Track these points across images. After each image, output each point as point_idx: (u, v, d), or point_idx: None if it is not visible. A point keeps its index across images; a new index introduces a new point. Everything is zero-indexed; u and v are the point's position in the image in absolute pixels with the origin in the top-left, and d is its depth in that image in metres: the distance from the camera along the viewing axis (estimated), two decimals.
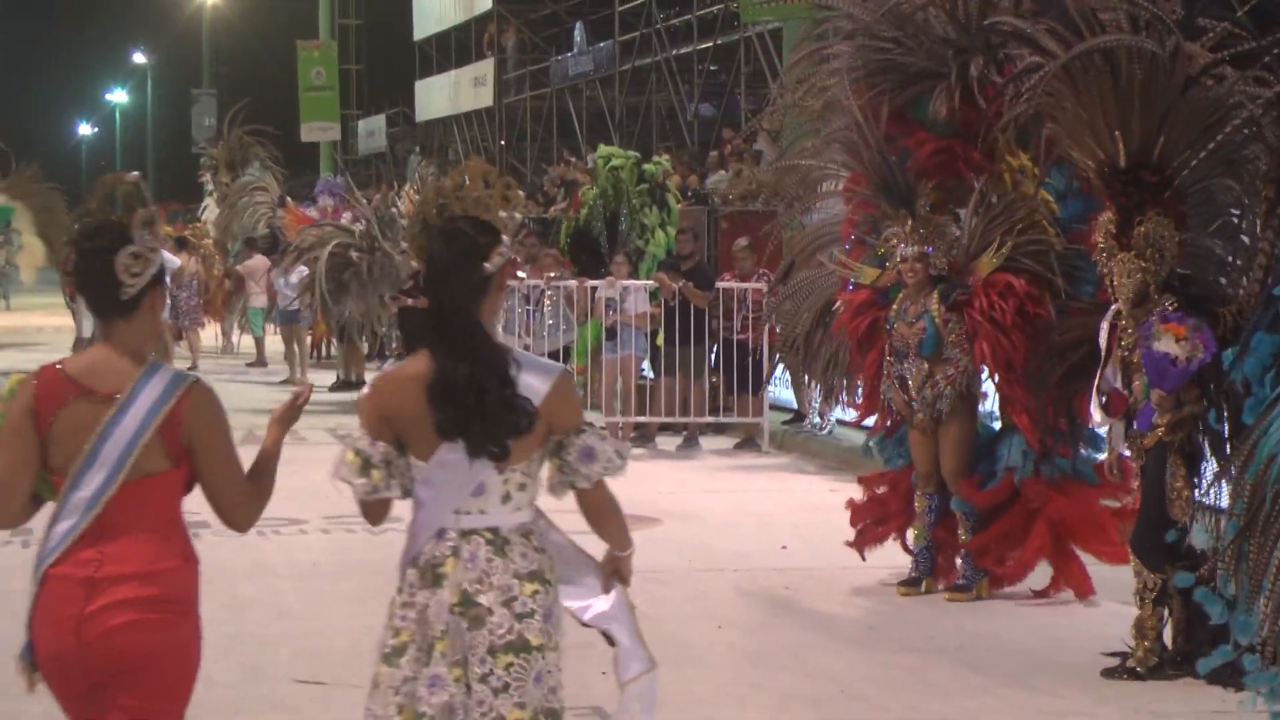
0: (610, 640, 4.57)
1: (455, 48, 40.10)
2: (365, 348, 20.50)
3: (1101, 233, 7.40)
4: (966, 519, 8.92)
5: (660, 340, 15.29)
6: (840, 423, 14.43)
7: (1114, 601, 8.47)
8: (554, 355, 14.88)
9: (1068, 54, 7.32)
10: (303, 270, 18.59)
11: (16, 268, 25.64)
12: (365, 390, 4.50)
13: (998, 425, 9.15)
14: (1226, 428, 7.21)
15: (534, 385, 4.26)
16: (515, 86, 36.82)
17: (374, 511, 4.38)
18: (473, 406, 4.20)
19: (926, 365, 8.89)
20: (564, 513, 4.51)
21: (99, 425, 4.05)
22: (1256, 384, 6.23)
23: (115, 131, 76.18)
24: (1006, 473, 8.84)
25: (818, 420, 14.83)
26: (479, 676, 4.20)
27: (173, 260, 22.50)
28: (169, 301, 22.21)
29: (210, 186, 26.55)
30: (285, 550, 10.19)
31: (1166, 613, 7.43)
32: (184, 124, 51.41)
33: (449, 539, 4.28)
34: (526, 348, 15.13)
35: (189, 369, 22.34)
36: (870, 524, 9.35)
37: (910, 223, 8.85)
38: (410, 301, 15.52)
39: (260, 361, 22.53)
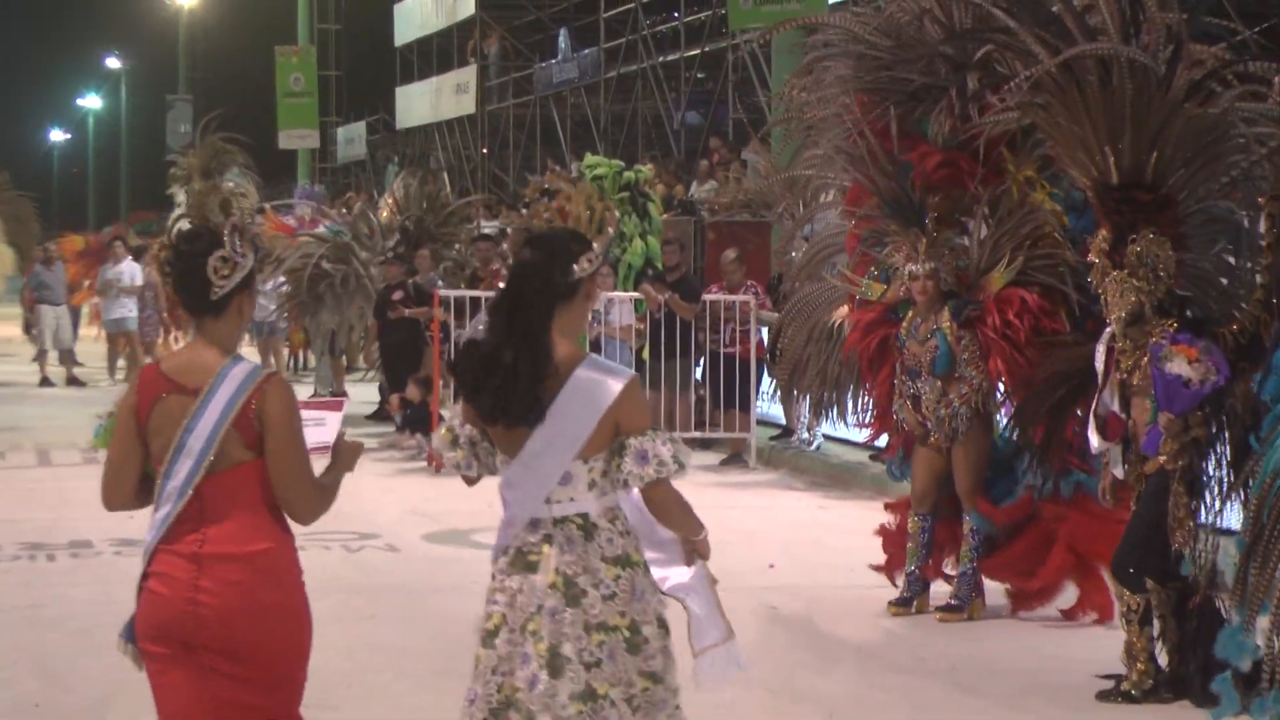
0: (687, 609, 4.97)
1: (437, 54, 40.09)
2: (345, 360, 20.49)
3: (1095, 251, 7.41)
4: (972, 537, 8.91)
5: (645, 354, 15.29)
6: (828, 438, 14.44)
7: (1110, 624, 8.48)
8: None
9: (1053, 59, 7.29)
10: (279, 280, 18.55)
11: None
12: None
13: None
14: (1229, 451, 7.21)
15: (608, 385, 4.66)
16: (498, 94, 36.82)
17: (467, 480, 4.92)
18: (502, 383, 4.60)
19: (939, 384, 8.90)
20: None
21: (184, 418, 4.48)
22: (1275, 403, 6.27)
23: (88, 138, 76.05)
24: (1026, 490, 8.85)
25: (806, 435, 14.84)
26: (573, 652, 4.60)
27: (132, 272, 22.45)
28: (135, 314, 22.22)
29: (178, 199, 26.47)
30: None
31: (1155, 632, 7.42)
32: (159, 131, 51.33)
33: (543, 528, 4.70)
34: None
35: None
36: (900, 549, 9.33)
37: (923, 242, 8.84)
38: (407, 313, 15.52)
39: None
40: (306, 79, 37.69)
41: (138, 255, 23.50)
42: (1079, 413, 8.00)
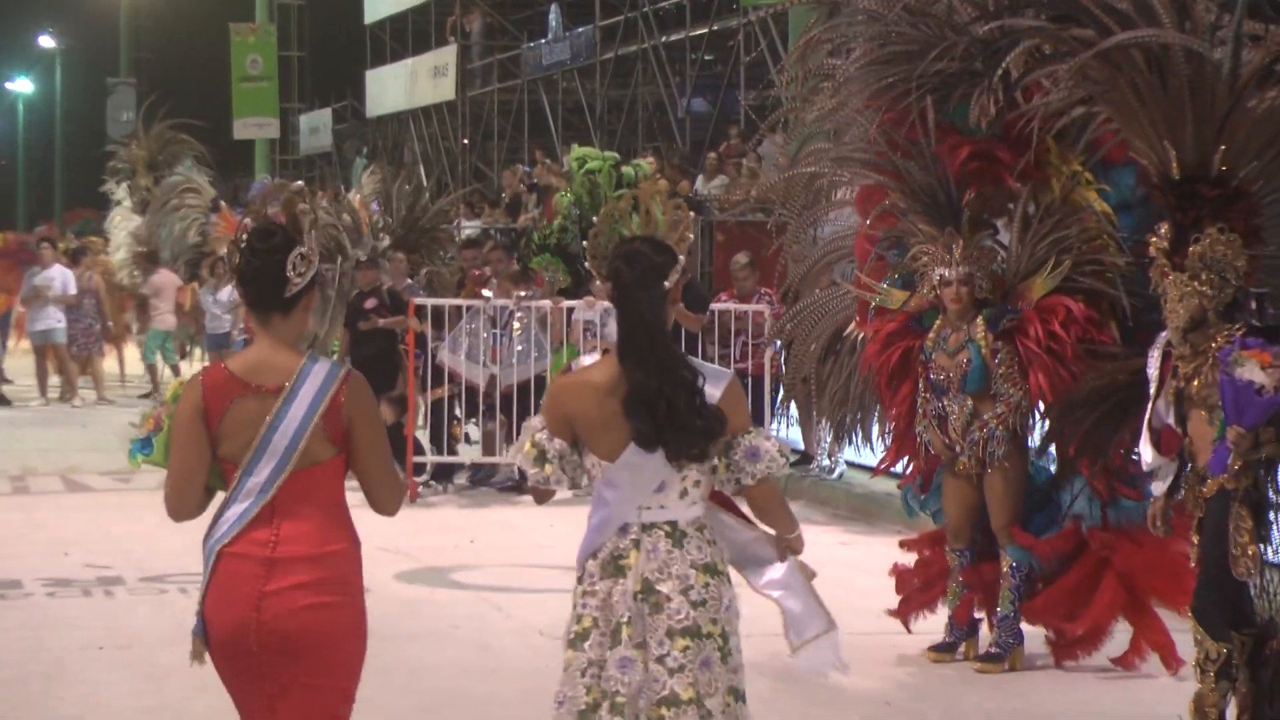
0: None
1: (412, 33, 40.18)
2: None
3: (1155, 248, 7.39)
4: (1013, 576, 8.88)
5: None
6: (851, 465, 14.43)
7: (1166, 672, 8.47)
8: (524, 386, 14.87)
9: (1103, 42, 7.29)
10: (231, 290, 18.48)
11: None
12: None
13: (1052, 467, 9.10)
14: None
15: (709, 391, 5.22)
16: (481, 77, 36.89)
17: (541, 495, 5.50)
18: (664, 418, 5.17)
19: (970, 402, 8.86)
20: None
21: (268, 416, 4.89)
22: None
23: (18, 125, 76.12)
24: (1072, 521, 8.83)
25: (826, 462, 14.83)
26: (656, 657, 5.17)
27: (64, 279, 22.35)
28: (67, 327, 22.16)
29: (117, 195, 26.42)
30: None
31: (1231, 688, 7.35)
32: (98, 118, 51.39)
33: (631, 533, 5.27)
34: (492, 376, 15.15)
35: (96, 401, 22.36)
36: (916, 590, 9.36)
37: (959, 244, 8.82)
38: (381, 323, 15.49)
39: (156, 392, 21.96)
40: (265, 61, 37.77)
41: (75, 259, 23.48)
42: (1124, 433, 7.99)
